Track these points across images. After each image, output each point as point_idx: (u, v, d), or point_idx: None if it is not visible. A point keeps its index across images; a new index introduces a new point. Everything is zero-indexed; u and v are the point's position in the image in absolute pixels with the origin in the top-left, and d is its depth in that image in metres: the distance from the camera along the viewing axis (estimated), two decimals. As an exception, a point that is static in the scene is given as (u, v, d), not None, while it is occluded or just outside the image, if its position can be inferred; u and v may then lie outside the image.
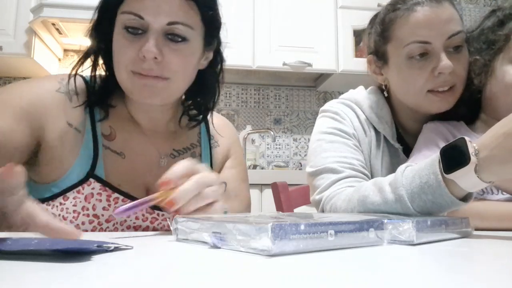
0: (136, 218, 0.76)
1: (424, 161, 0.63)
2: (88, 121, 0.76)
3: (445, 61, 0.82)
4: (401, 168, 0.66)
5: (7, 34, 2.17)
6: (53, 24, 2.15)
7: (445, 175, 0.57)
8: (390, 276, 0.31)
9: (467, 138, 0.56)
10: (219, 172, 0.90)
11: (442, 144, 0.85)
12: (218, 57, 0.83)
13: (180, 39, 0.71)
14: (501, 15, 0.85)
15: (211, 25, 0.77)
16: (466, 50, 0.87)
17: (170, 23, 0.70)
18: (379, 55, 0.94)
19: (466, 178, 0.55)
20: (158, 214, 0.78)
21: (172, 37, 0.71)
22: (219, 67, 0.84)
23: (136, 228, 0.76)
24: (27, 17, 2.16)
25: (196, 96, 0.84)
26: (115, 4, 0.72)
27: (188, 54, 0.73)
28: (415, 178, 0.62)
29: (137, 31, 0.70)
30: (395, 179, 0.65)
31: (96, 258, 0.39)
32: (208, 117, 0.88)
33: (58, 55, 2.52)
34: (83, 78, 0.79)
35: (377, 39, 0.93)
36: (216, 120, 0.92)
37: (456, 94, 0.87)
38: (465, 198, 0.59)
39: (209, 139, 0.90)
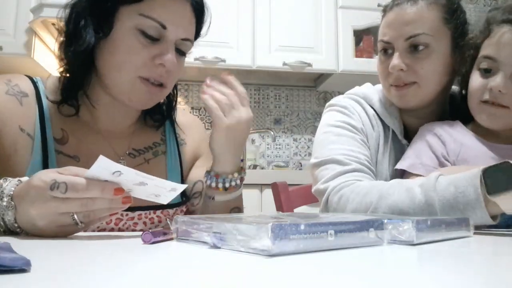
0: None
1: (462, 173, 0.65)
2: (38, 125, 0.72)
3: (394, 61, 0.87)
4: (435, 174, 0.69)
5: (7, 34, 2.17)
6: (53, 24, 2.15)
7: (489, 197, 0.59)
8: (390, 276, 0.31)
9: None
10: (189, 170, 0.90)
11: (437, 147, 0.85)
12: None
13: (183, 54, 0.76)
14: (485, 23, 0.85)
15: (196, 39, 0.82)
16: (437, 51, 0.87)
17: (184, 39, 0.74)
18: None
19: (509, 202, 0.57)
20: (122, 215, 0.75)
21: (177, 50, 0.74)
22: None
23: (100, 231, 0.72)
24: (27, 17, 2.15)
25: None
26: (128, 1, 0.69)
27: (183, 67, 0.79)
28: (450, 186, 0.64)
29: (153, 38, 0.70)
30: (427, 182, 0.68)
31: (95, 256, 0.39)
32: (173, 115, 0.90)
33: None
34: (30, 78, 0.76)
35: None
36: (183, 117, 0.93)
37: (418, 91, 0.88)
38: (493, 216, 0.61)
39: (176, 137, 0.89)
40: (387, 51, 0.90)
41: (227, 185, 0.76)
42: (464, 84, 0.88)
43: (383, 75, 0.92)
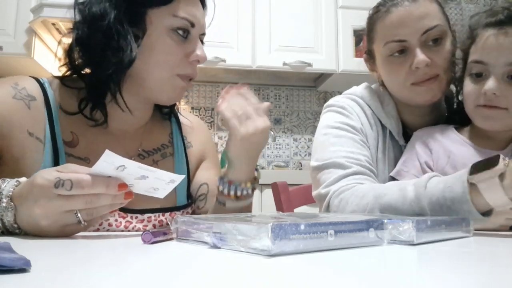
0: (109, 224, 0.73)
1: (455, 173, 0.65)
2: (48, 128, 0.72)
3: (419, 57, 0.85)
4: (430, 174, 0.69)
5: (7, 34, 2.17)
6: (53, 24, 2.15)
7: (469, 177, 0.59)
8: (390, 276, 0.31)
9: (502, 155, 0.57)
10: (195, 172, 0.90)
11: (422, 154, 0.86)
12: None
13: None
14: (469, 29, 0.85)
15: None
16: (449, 40, 0.89)
17: (202, 34, 0.79)
18: (370, 54, 0.97)
19: (490, 187, 0.56)
20: (131, 217, 0.75)
21: None
22: None
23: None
24: (27, 17, 2.16)
25: None
26: (157, 4, 0.72)
27: None
28: (440, 184, 0.64)
29: (185, 35, 0.75)
30: (420, 180, 0.68)
31: (95, 256, 0.39)
32: (180, 117, 0.92)
33: (58, 55, 2.52)
34: (36, 80, 0.76)
35: (366, 39, 0.97)
36: (188, 120, 0.94)
37: (441, 83, 0.88)
38: (486, 213, 0.60)
39: (183, 140, 0.90)
40: (402, 51, 0.88)
41: (238, 193, 0.76)
42: (459, 89, 0.89)
43: (401, 76, 0.89)
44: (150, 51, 0.73)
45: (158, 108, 0.88)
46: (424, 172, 0.84)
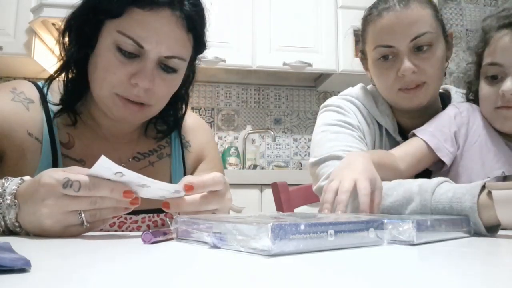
0: None
1: (466, 184, 0.64)
2: (46, 129, 0.73)
3: (405, 64, 0.85)
4: (440, 179, 0.67)
5: (7, 34, 2.17)
6: (53, 24, 2.15)
7: (487, 183, 0.57)
8: (390, 276, 0.31)
9: None
10: (192, 173, 0.88)
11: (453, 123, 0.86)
12: (191, 73, 0.83)
13: (172, 71, 0.72)
14: (482, 33, 0.85)
15: (200, 52, 0.79)
16: (440, 46, 0.89)
17: (167, 57, 0.69)
18: (363, 54, 0.98)
19: (505, 199, 0.55)
20: (125, 218, 0.75)
21: (164, 67, 0.71)
22: (191, 80, 0.84)
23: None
24: (27, 17, 2.16)
25: (167, 110, 0.81)
26: (110, 15, 0.68)
27: (175, 84, 0.75)
28: (449, 192, 0.62)
29: (131, 55, 0.68)
30: (427, 184, 0.66)
31: (95, 256, 0.39)
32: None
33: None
34: (34, 84, 0.77)
35: (361, 39, 0.98)
36: (189, 119, 0.91)
37: (428, 90, 0.89)
38: (491, 228, 0.59)
39: (181, 139, 0.88)
40: (387, 57, 0.88)
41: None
42: (472, 93, 0.89)
43: (389, 80, 0.89)
44: (95, 65, 0.70)
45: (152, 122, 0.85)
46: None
